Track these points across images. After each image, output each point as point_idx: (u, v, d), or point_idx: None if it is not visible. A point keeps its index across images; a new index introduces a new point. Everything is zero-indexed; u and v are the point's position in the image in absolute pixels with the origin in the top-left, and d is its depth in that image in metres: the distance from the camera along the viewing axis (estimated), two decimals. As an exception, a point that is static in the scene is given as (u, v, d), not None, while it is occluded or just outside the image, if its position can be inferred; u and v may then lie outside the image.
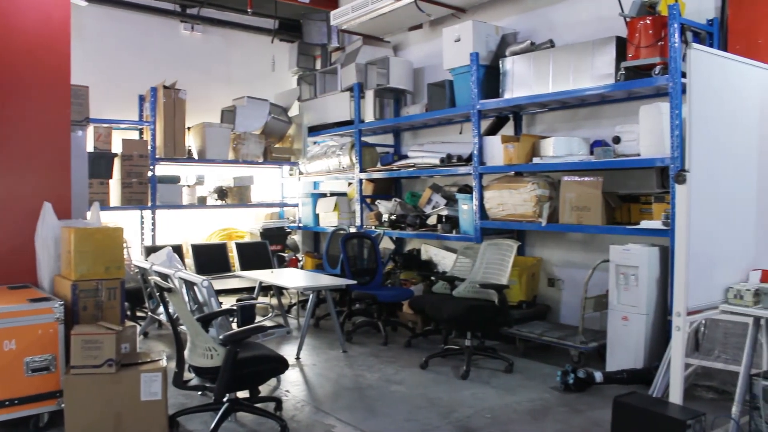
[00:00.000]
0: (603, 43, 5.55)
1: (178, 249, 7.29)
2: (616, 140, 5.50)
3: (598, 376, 4.92)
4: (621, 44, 5.43)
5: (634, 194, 5.70)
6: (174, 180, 8.25)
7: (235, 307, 4.99)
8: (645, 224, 5.19)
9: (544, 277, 6.72)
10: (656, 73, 5.09)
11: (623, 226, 5.44)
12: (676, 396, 3.41)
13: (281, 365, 4.13)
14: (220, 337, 3.89)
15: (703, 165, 3.46)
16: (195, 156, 8.40)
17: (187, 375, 4.05)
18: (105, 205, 7.28)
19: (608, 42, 5.51)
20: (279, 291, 7.13)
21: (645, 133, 5.22)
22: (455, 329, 6.15)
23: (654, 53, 5.10)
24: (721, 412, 3.79)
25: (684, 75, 3.75)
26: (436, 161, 7.15)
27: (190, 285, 4.66)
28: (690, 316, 3.39)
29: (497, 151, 6.30)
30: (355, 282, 6.48)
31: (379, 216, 7.97)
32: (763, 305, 3.43)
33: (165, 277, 4.91)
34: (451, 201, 7.24)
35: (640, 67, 5.26)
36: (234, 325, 5.10)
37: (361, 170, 8.15)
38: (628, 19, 5.29)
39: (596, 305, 5.62)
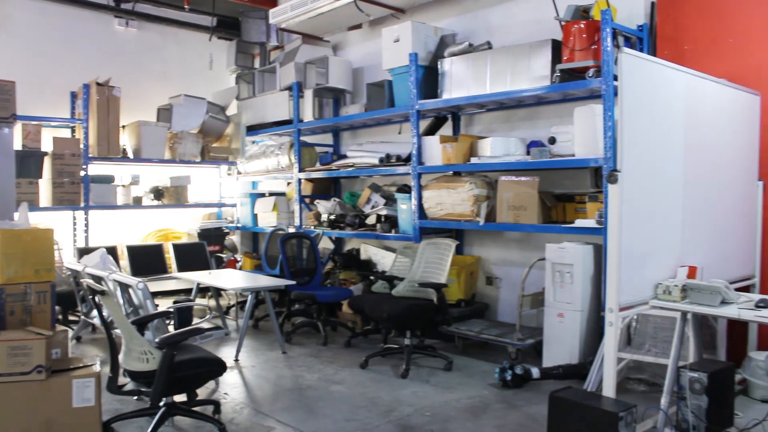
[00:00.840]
0: (539, 45, 5.66)
1: (112, 250, 7.11)
2: (552, 141, 5.63)
3: (535, 372, 5.02)
4: (556, 47, 5.54)
5: (570, 194, 5.83)
6: (108, 180, 8.04)
7: (171, 310, 4.90)
8: (580, 223, 5.32)
9: (483, 275, 6.81)
10: (590, 75, 5.22)
11: (559, 225, 5.56)
12: (609, 389, 3.51)
13: (219, 367, 4.07)
14: (156, 340, 3.82)
15: (633, 165, 3.57)
16: (130, 155, 8.21)
17: (122, 380, 3.95)
18: (35, 206, 7.05)
19: (544, 45, 5.62)
20: (217, 292, 7.03)
21: (579, 134, 5.35)
22: (395, 328, 6.18)
23: (588, 56, 5.22)
24: (652, 404, 3.92)
25: (616, 78, 3.85)
26: (375, 161, 7.17)
27: (124, 287, 4.56)
28: (622, 311, 3.50)
29: (436, 151, 6.35)
30: (294, 282, 6.44)
31: (318, 216, 7.94)
32: (689, 300, 3.57)
33: (98, 279, 4.79)
34: (390, 201, 7.27)
35: (575, 70, 5.38)
36: (171, 328, 5.01)
37: (300, 170, 8.10)
38: (563, 23, 5.41)
39: (533, 303, 5.72)
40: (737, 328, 5.02)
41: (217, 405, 4.46)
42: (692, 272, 3.88)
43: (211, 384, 5.06)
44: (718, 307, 3.48)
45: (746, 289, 4.78)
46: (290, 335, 6.58)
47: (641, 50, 5.47)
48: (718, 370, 3.62)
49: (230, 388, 5.07)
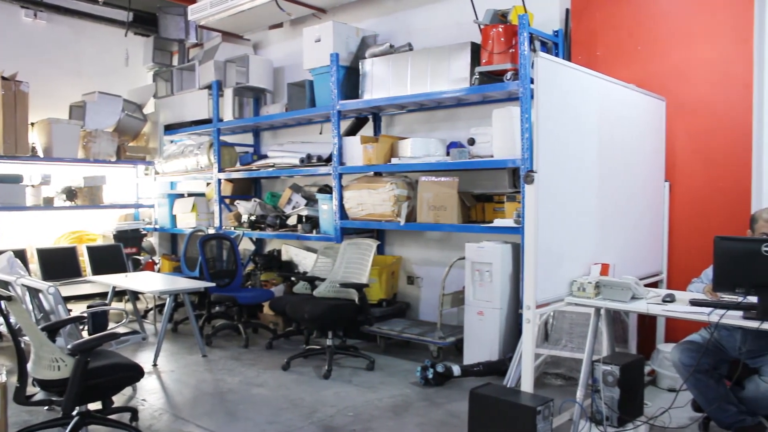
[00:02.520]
0: (459, 48, 5.73)
1: (21, 254, 6.81)
2: (471, 142, 5.71)
3: (456, 369, 5.08)
4: (476, 50, 5.62)
5: (488, 194, 5.93)
6: (16, 179, 7.66)
7: (85, 314, 4.72)
8: (498, 222, 5.42)
9: (404, 275, 6.85)
10: (508, 78, 5.33)
11: (478, 225, 5.65)
12: (527, 384, 3.58)
13: (136, 373, 3.94)
14: (69, 346, 3.66)
15: (549, 166, 3.66)
16: (40, 154, 7.85)
17: (31, 389, 3.76)
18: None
19: (464, 47, 5.69)
20: (134, 296, 6.82)
21: (498, 135, 5.45)
22: (316, 329, 6.15)
23: (506, 60, 5.33)
24: (568, 397, 4.03)
25: (533, 81, 3.94)
26: (296, 161, 7.11)
27: (34, 292, 4.35)
28: (539, 308, 3.58)
29: (357, 151, 6.35)
30: (214, 284, 6.33)
31: (238, 217, 7.82)
32: (603, 296, 3.68)
33: (5, 284, 4.56)
34: (311, 201, 7.22)
35: (494, 73, 5.47)
36: (85, 334, 4.82)
37: (220, 170, 7.95)
38: (482, 27, 5.50)
39: (453, 301, 5.80)
40: (647, 322, 5.23)
41: (134, 412, 4.31)
42: (605, 269, 4.01)
43: (128, 390, 4.89)
44: (628, 302, 3.60)
45: (655, 284, 4.99)
46: (210, 338, 6.45)
47: (557, 55, 5.62)
48: (629, 363, 3.75)
49: (148, 394, 4.92)
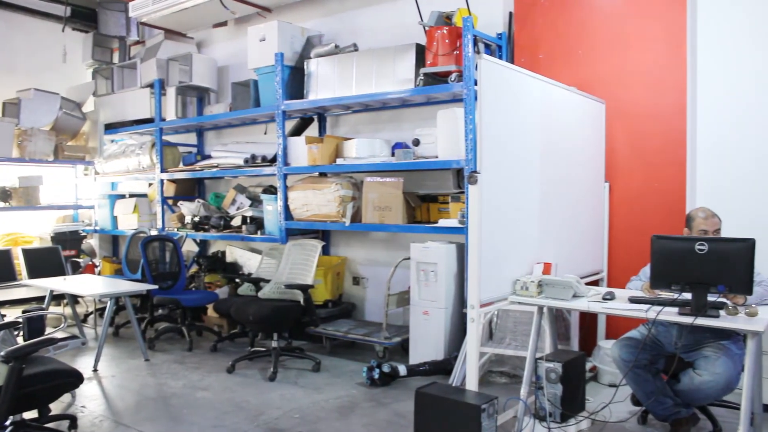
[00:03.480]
0: (404, 49, 5.75)
1: (-49, 256, 6.56)
2: (416, 143, 5.74)
3: (402, 369, 5.09)
4: (420, 51, 5.65)
5: (433, 194, 5.97)
6: (-54, 179, 7.40)
7: (20, 319, 4.56)
8: (443, 223, 5.46)
9: (349, 275, 6.84)
10: (452, 80, 5.37)
11: (423, 225, 5.68)
12: (472, 383, 3.62)
13: (75, 379, 3.82)
14: (2, 353, 3.54)
15: (493, 167, 3.70)
16: (-28, 153, 7.59)
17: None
18: None
19: (409, 48, 5.72)
20: (73, 299, 6.63)
21: (442, 136, 5.49)
22: (262, 331, 6.08)
23: (450, 61, 5.36)
24: (512, 394, 4.08)
25: (477, 83, 3.98)
26: (241, 162, 7.03)
27: (-35, 296, 4.19)
28: (483, 308, 3.62)
29: (302, 151, 6.31)
30: (156, 287, 6.19)
31: (181, 218, 7.69)
32: (545, 295, 3.75)
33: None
34: (255, 202, 7.16)
35: (438, 74, 5.51)
36: (20, 339, 4.66)
37: (163, 170, 7.81)
38: (427, 28, 5.53)
39: (399, 301, 5.81)
40: (588, 319, 5.34)
41: (73, 420, 4.19)
42: (547, 268, 4.08)
43: (66, 397, 4.75)
44: (570, 300, 3.67)
45: (595, 283, 5.10)
46: (153, 342, 6.32)
47: (500, 57, 5.70)
48: (571, 360, 3.83)
49: (88, 401, 4.79)
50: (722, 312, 3.24)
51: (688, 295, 3.27)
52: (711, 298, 3.25)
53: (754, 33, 4.71)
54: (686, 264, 3.27)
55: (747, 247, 3.17)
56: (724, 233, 3.81)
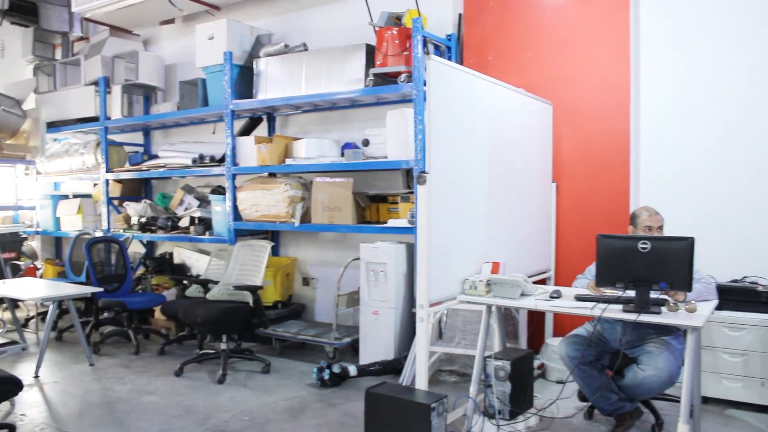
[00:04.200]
0: (354, 49, 5.75)
1: None
2: (366, 143, 5.74)
3: (353, 369, 5.09)
4: (370, 51, 5.66)
5: (383, 194, 5.98)
6: None
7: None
8: (392, 223, 5.47)
9: (299, 276, 6.81)
10: (402, 80, 5.38)
11: (373, 225, 5.69)
12: (422, 382, 3.63)
13: (14, 386, 3.71)
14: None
15: (441, 167, 3.72)
16: None
17: None
18: None
19: (359, 49, 5.72)
20: (13, 303, 6.43)
21: (392, 136, 5.50)
22: (210, 333, 6.01)
23: (400, 62, 5.38)
24: (462, 393, 4.12)
25: (426, 84, 4.00)
26: (189, 161, 6.93)
27: None
28: (432, 307, 3.63)
29: (250, 151, 6.25)
30: (101, 289, 6.05)
31: (128, 219, 7.54)
32: (493, 294, 3.78)
33: None
34: (204, 202, 7.06)
35: (388, 74, 5.52)
36: (-44, 344, 4.52)
37: (108, 170, 7.65)
38: (376, 28, 5.53)
39: (349, 302, 5.81)
40: (536, 317, 5.42)
41: (11, 428, 4.05)
42: (495, 267, 4.12)
43: (5, 405, 4.59)
44: (518, 299, 3.71)
45: (543, 281, 5.19)
46: (98, 346, 6.17)
47: (449, 58, 5.74)
48: (519, 358, 3.87)
49: (29, 408, 4.64)
50: (664, 309, 3.33)
51: (631, 293, 3.34)
52: (653, 295, 3.34)
53: (696, 34, 4.87)
54: (630, 262, 3.34)
55: (687, 245, 3.27)
56: (667, 232, 3.92)
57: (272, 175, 6.42)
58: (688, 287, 3.29)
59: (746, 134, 4.69)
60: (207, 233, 6.76)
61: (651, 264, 3.30)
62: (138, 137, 8.33)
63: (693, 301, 3.36)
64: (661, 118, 4.99)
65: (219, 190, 6.82)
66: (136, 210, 7.48)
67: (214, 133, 7.37)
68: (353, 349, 5.74)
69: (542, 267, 5.29)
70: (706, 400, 4.36)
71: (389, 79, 5.54)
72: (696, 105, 4.86)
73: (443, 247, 3.75)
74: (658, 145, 5.00)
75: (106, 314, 6.70)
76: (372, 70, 5.53)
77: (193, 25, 7.12)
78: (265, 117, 6.94)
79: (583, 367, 3.83)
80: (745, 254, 4.66)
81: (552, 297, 3.72)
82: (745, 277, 4.59)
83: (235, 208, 6.39)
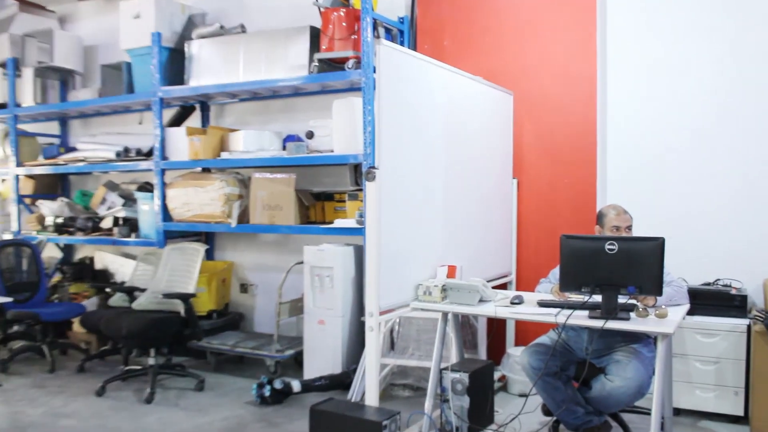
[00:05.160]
0: (297, 32, 5.72)
1: None
2: (310, 135, 5.73)
3: (296, 385, 5.07)
4: (315, 35, 5.64)
5: (329, 192, 5.97)
6: None
7: None
8: (339, 223, 5.47)
9: (237, 282, 6.77)
10: (350, 67, 5.38)
11: (317, 226, 5.67)
12: (372, 398, 3.64)
13: None
14: None
15: (393, 162, 3.73)
16: None
17: None
18: None
19: (302, 31, 5.70)
20: None
21: (338, 128, 5.49)
22: (137, 347, 5.91)
23: (347, 46, 5.38)
24: (416, 408, 4.13)
25: (376, 70, 4.01)
26: (112, 155, 6.81)
27: None
28: (383, 315, 3.64)
29: (182, 144, 6.18)
30: (11, 300, 5.91)
31: (41, 219, 7.39)
32: (449, 300, 3.81)
33: None
34: (129, 201, 6.95)
35: (334, 60, 5.51)
36: None
37: (19, 164, 7.47)
38: (322, 9, 5.52)
39: (292, 310, 5.79)
40: (496, 325, 5.48)
41: None
42: (452, 271, 4.16)
43: None
44: (476, 305, 3.75)
45: (504, 286, 5.25)
46: (7, 364, 6.02)
47: (402, 43, 5.76)
48: (478, 369, 3.92)
49: None
50: (633, 314, 3.39)
51: (598, 298, 3.40)
52: (621, 299, 3.40)
53: (666, 23, 4.99)
54: (596, 265, 3.40)
55: (657, 246, 3.33)
56: (636, 232, 3.99)
57: (206, 170, 6.37)
58: (659, 291, 3.36)
59: (719, 129, 4.82)
60: (133, 235, 6.67)
61: (619, 266, 3.36)
62: (53, 127, 8.16)
63: (663, 306, 3.43)
64: (630, 110, 5.10)
65: (146, 187, 6.72)
66: (51, 209, 7.33)
67: (140, 123, 7.28)
68: (297, 362, 5.72)
69: (503, 270, 5.35)
70: (678, 412, 4.48)
71: (336, 65, 5.54)
72: (667, 98, 4.98)
73: (395, 249, 3.76)
74: (626, 140, 5.10)
75: (16, 327, 6.54)
76: (317, 56, 5.51)
77: (116, 2, 6.98)
78: (198, 106, 6.88)
79: (547, 379, 3.87)
80: (718, 255, 4.79)
81: (513, 303, 3.77)
82: (718, 279, 4.72)
83: (164, 207, 6.30)
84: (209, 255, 6.68)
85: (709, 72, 4.84)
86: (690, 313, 4.01)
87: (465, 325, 5.27)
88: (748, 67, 4.74)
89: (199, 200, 6.06)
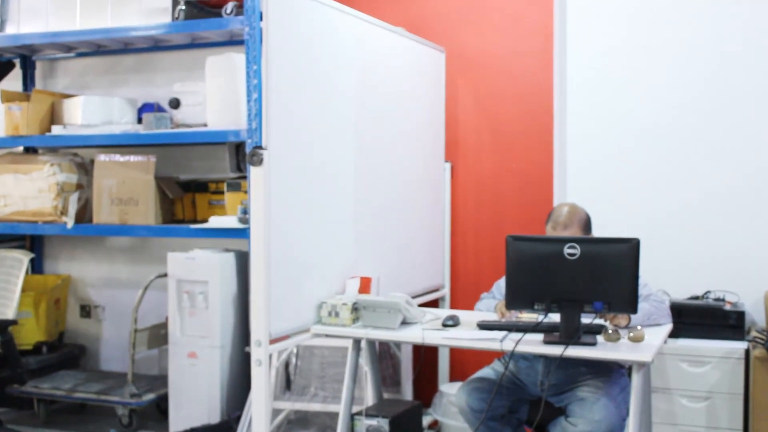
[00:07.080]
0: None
1: None
2: (175, 104, 5.67)
3: (158, 441, 5.05)
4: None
5: (202, 180, 5.95)
6: None
7: None
8: (215, 222, 5.41)
9: (75, 303, 6.69)
10: (228, 12, 5.33)
11: (186, 226, 5.61)
12: (261, 456, 3.64)
13: None
14: None
15: (286, 141, 3.72)
16: None
17: None
18: None
19: (164, -36, 5.65)
20: None
21: (213, 94, 5.46)
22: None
23: (225, -16, 5.37)
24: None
25: (264, 18, 3.99)
26: None
27: None
28: (275, 344, 3.63)
29: (-3, 114, 6.07)
30: None
31: None
32: (363, 322, 3.81)
33: None
34: None
35: (208, 3, 5.48)
36: None
37: None
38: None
39: (152, 340, 5.73)
40: (425, 355, 5.53)
41: None
42: (365, 285, 4.16)
43: None
44: (398, 329, 3.76)
45: (435, 303, 5.31)
46: None
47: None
48: (402, 413, 3.96)
49: None
50: (600, 338, 3.45)
51: (556, 317, 3.45)
52: (585, 319, 3.45)
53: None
54: (553, 274, 3.44)
55: (630, 249, 3.38)
56: (603, 233, 4.05)
57: (31, 150, 6.28)
58: (633, 308, 3.42)
59: (710, 107, 4.87)
60: None
61: (582, 276, 3.40)
62: None
63: (639, 327, 3.47)
64: (598, 75, 5.14)
65: (-54, 175, 6.55)
66: None
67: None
68: (160, 410, 5.68)
69: (433, 283, 5.41)
70: (655, 462, 4.61)
71: (210, 9, 5.50)
72: (646, 57, 5.00)
73: (290, 256, 3.75)
74: (592, 113, 5.15)
75: None
76: (184, -3, 5.48)
77: None
78: (18, 61, 6.74)
79: (491, 424, 3.92)
80: (708, 262, 4.89)
81: (446, 325, 3.80)
82: (708, 292, 4.80)
83: (-28, 201, 6.15)
84: (36, 267, 6.60)
85: (709, 32, 4.89)
86: (673, 335, 4.10)
87: (384, 355, 5.31)
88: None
89: (22, 192, 5.93)
